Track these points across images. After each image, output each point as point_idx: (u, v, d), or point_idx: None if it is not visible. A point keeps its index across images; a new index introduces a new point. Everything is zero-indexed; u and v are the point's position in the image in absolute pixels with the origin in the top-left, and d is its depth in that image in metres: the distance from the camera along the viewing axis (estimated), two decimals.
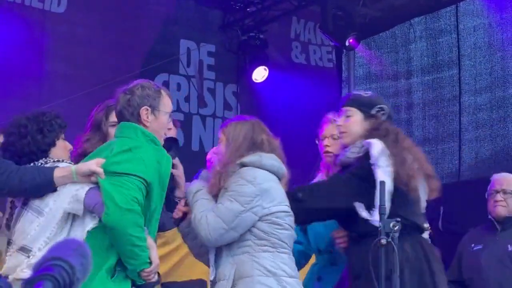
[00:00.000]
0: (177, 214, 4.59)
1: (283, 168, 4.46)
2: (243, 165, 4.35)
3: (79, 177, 4.21)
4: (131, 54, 9.93)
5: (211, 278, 4.36)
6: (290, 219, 4.40)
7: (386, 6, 10.17)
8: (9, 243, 4.39)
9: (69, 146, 4.60)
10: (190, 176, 5.25)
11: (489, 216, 6.03)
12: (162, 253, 5.09)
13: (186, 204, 4.53)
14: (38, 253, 4.13)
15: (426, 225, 4.80)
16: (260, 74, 10.56)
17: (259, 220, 4.27)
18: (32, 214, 4.28)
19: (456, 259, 6.25)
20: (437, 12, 10.19)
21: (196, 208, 4.35)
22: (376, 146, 4.62)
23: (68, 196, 4.23)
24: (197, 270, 5.20)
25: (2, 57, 8.66)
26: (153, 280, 4.26)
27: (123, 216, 4.07)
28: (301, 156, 6.67)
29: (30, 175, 4.24)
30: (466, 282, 6.02)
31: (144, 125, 4.36)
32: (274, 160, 4.43)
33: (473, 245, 5.93)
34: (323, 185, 4.86)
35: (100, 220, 4.16)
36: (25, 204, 4.33)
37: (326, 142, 5.09)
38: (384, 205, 4.40)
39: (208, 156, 4.64)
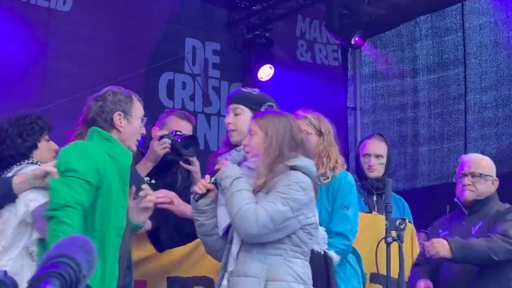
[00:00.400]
0: (200, 189, 4.45)
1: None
2: (292, 167, 4.30)
3: (35, 180, 4.22)
4: (136, 53, 9.91)
5: (230, 269, 4.28)
6: (317, 231, 4.45)
7: (391, 4, 10.19)
8: None
9: (54, 147, 4.60)
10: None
11: (456, 200, 5.72)
12: None
13: (213, 183, 4.40)
14: None
15: None
16: (265, 72, 10.53)
17: (300, 228, 4.28)
18: None
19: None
20: (443, 10, 10.19)
21: (238, 198, 4.24)
22: None
23: (22, 205, 4.24)
24: (205, 266, 5.06)
25: (7, 55, 8.66)
26: None
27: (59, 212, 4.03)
28: None
29: None
30: (434, 268, 5.82)
31: (118, 130, 4.41)
32: (314, 167, 4.43)
33: (440, 231, 5.72)
34: None
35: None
36: None
37: None
38: (391, 203, 4.40)
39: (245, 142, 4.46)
